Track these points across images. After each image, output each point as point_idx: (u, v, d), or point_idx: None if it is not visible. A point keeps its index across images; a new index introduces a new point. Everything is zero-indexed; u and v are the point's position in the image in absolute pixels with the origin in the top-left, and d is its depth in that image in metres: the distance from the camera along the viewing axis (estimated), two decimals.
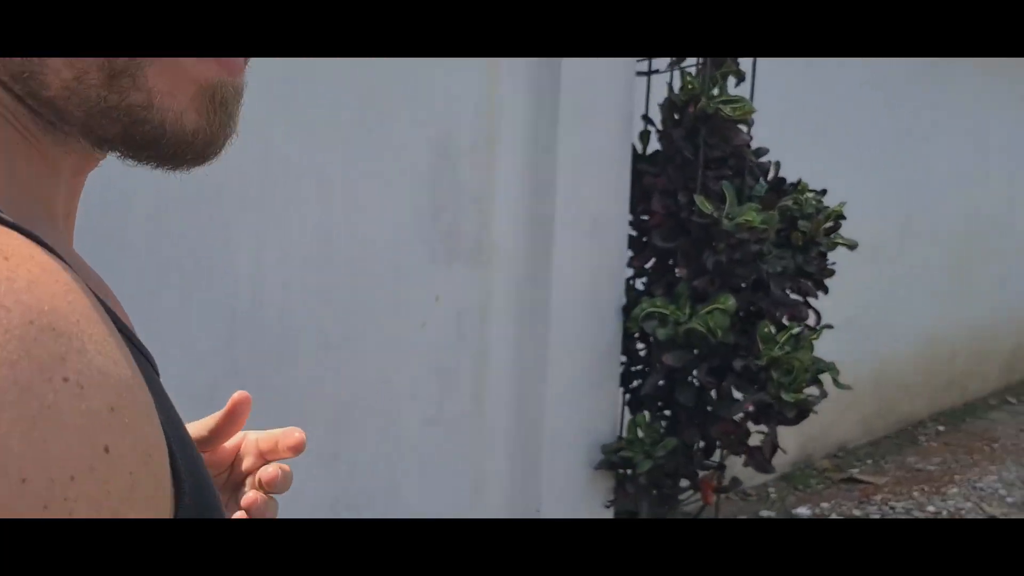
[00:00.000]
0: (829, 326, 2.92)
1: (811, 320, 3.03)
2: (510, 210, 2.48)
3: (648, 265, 2.77)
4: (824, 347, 5.75)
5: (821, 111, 5.05)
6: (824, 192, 2.97)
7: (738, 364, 2.54)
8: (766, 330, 2.60)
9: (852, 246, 2.86)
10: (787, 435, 5.59)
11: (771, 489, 5.17)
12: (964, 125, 6.46)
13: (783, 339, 2.60)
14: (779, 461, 5.71)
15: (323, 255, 2.10)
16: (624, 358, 2.82)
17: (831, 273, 3.05)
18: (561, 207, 2.49)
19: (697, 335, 2.51)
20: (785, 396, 2.46)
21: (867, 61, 5.27)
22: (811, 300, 3.01)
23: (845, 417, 5.71)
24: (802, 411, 2.58)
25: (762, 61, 4.82)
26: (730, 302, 2.56)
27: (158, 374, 0.48)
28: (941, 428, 6.35)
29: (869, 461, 5.63)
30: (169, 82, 0.45)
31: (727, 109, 2.59)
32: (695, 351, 2.58)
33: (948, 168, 6.37)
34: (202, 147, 0.48)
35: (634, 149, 2.81)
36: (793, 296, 2.87)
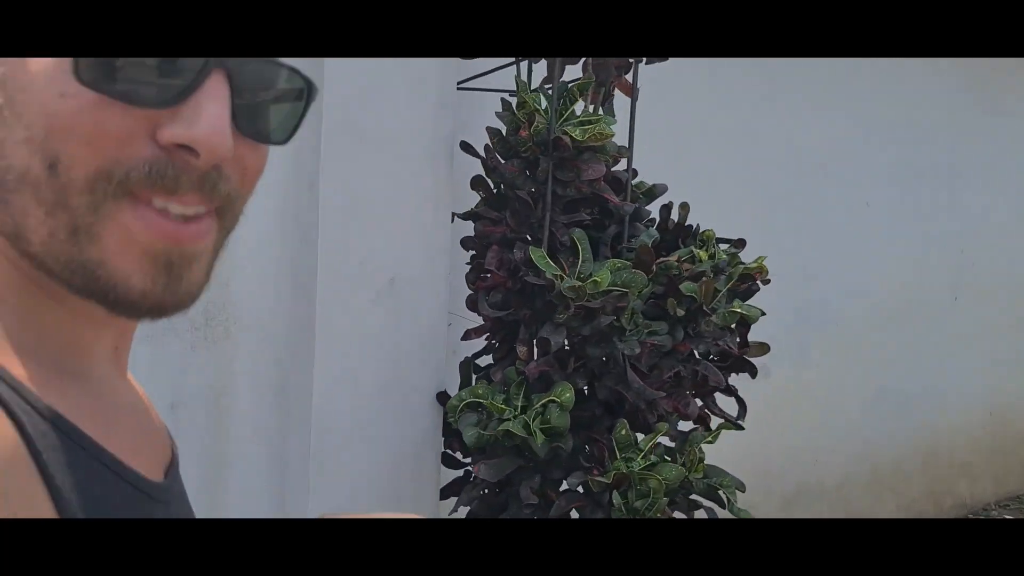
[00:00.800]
0: (739, 426, 2.10)
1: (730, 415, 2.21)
2: (258, 267, 1.80)
3: (495, 341, 2.03)
4: (851, 420, 4.79)
5: (843, 147, 4.16)
6: (741, 243, 2.16)
7: (574, 480, 1.76)
8: (623, 432, 1.82)
9: (753, 319, 2.02)
10: None
11: None
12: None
13: (647, 446, 1.81)
14: None
15: None
16: (468, 461, 2.07)
17: (765, 349, 2.23)
18: (329, 262, 1.78)
19: (519, 439, 1.76)
20: None
21: (896, 78, 4.35)
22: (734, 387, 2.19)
23: (881, 503, 4.71)
24: None
25: (752, 87, 3.98)
26: (567, 394, 1.79)
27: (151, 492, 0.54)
28: (1008, 516, 5.23)
29: None
30: (120, 243, 0.48)
31: (576, 132, 1.84)
32: (526, 459, 1.83)
33: (1012, 208, 5.31)
34: (153, 307, 0.50)
35: (488, 187, 2.09)
36: (717, 379, 2.06)
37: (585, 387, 1.97)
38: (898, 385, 4.69)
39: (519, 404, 1.85)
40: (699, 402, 1.99)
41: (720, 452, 3.98)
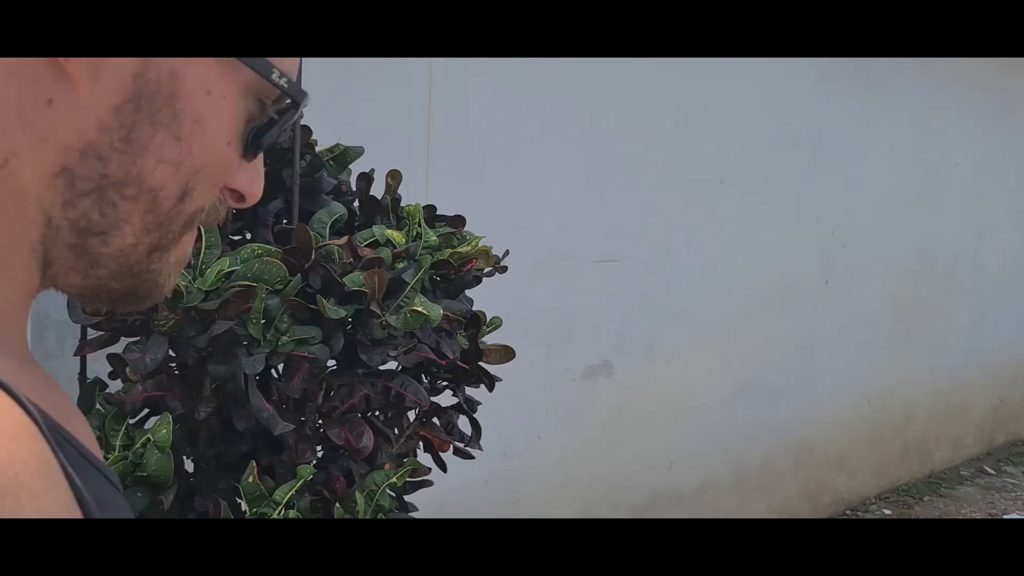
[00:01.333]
0: (467, 455, 1.61)
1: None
2: None
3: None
4: (712, 418, 4.31)
5: (695, 117, 3.70)
6: (459, 221, 1.64)
7: None
8: (251, 480, 1.30)
9: (434, 320, 1.50)
10: None
11: None
12: (911, 141, 5.02)
13: (285, 496, 1.30)
14: None
15: None
16: None
17: (509, 354, 1.75)
18: None
19: None
20: None
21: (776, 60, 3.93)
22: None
23: (749, 506, 4.30)
24: None
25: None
26: (163, 431, 1.25)
27: (120, 489, 0.52)
28: (887, 511, 4.88)
29: None
30: (176, 259, 0.52)
31: None
32: None
33: (891, 192, 4.94)
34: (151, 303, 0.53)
35: None
36: (419, 398, 1.56)
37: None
38: (765, 377, 4.28)
39: (117, 444, 1.33)
40: (439, 429, 1.47)
41: (555, 464, 3.52)
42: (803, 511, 4.57)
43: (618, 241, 3.52)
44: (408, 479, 1.64)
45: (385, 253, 1.44)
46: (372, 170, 1.65)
